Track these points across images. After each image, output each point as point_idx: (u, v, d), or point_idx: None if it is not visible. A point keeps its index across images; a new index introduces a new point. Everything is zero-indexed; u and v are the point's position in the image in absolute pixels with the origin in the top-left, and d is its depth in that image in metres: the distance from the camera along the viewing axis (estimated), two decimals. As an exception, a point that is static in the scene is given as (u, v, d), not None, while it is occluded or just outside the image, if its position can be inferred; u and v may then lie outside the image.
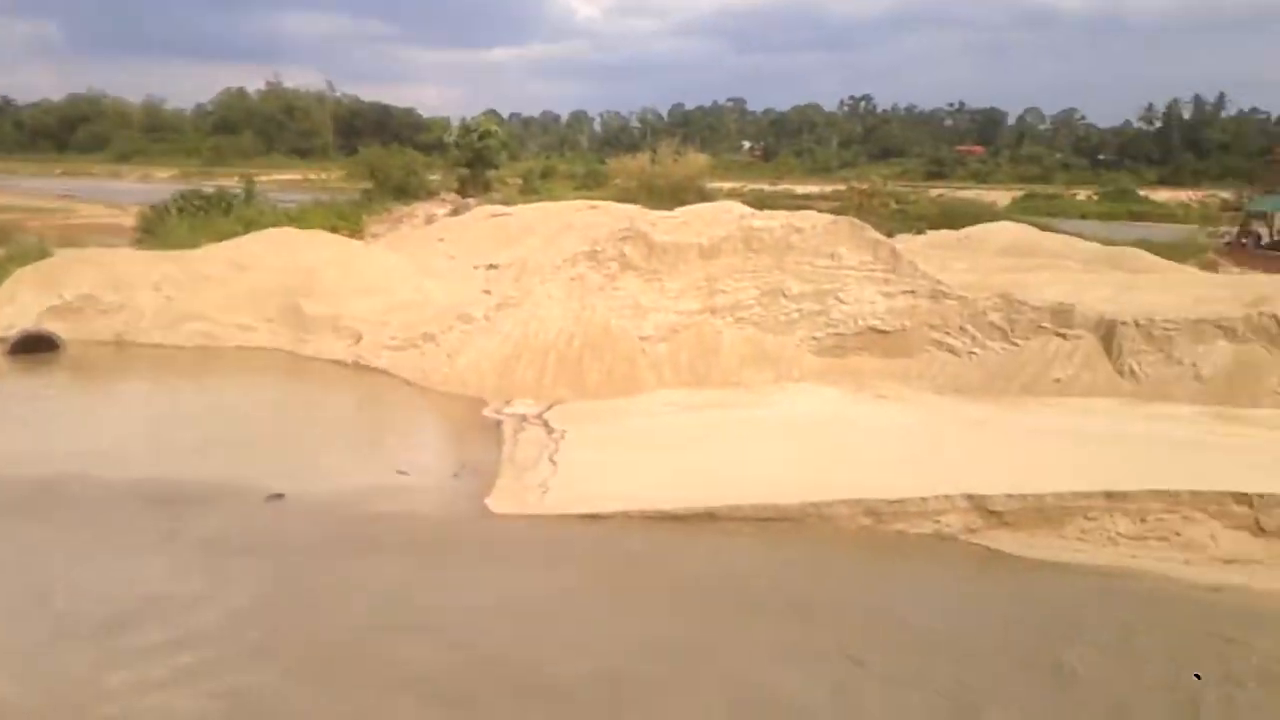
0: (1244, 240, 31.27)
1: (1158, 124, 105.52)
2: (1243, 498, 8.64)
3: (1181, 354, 12.09)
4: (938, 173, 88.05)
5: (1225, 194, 55.29)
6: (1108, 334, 12.49)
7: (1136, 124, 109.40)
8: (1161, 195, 68.72)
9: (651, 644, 7.00)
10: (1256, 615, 7.50)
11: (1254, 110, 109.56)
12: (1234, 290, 13.38)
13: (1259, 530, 8.59)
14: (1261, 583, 7.96)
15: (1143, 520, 8.78)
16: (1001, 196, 64.18)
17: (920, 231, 20.76)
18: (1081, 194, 70.41)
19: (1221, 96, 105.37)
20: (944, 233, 18.18)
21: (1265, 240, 31.28)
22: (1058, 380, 12.44)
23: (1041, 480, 9.11)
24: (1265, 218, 32.41)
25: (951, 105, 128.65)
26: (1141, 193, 70.42)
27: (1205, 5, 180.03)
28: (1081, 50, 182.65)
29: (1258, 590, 7.87)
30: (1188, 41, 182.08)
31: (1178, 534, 8.65)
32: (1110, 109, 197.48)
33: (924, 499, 9.11)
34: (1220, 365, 11.90)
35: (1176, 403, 11.74)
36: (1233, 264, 25.04)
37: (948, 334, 13.42)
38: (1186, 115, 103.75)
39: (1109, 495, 8.81)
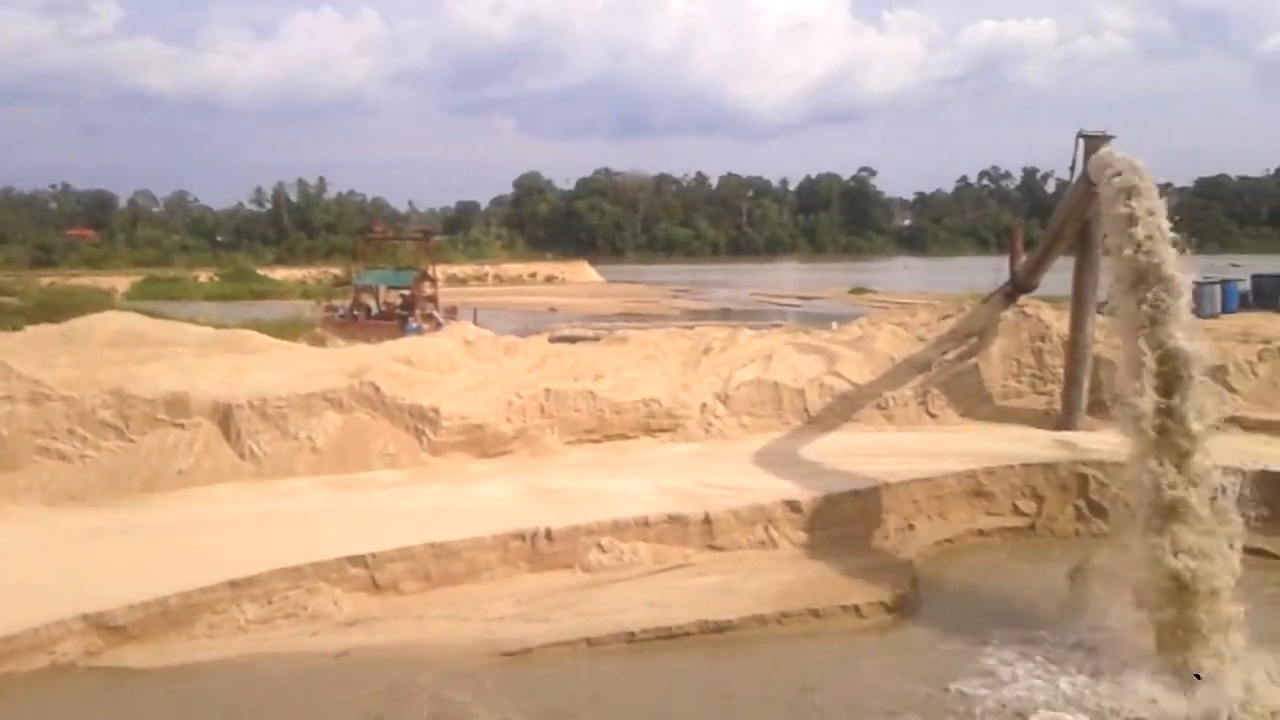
0: (356, 313, 34.16)
1: (268, 205, 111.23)
2: (358, 559, 9.21)
3: (296, 429, 12.60)
4: (46, 260, 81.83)
5: (336, 270, 60.07)
6: (225, 418, 12.50)
7: (249, 205, 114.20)
8: (280, 274, 72.50)
9: None
10: (377, 666, 8.01)
11: (352, 192, 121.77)
12: (339, 363, 14.37)
13: (375, 588, 9.24)
14: (381, 637, 8.55)
15: (270, 602, 8.86)
16: (120, 281, 61.74)
17: (18, 327, 18.72)
18: (203, 275, 71.07)
19: (322, 180, 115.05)
20: (45, 327, 16.60)
21: (375, 311, 34.54)
22: (180, 472, 12.06)
23: (166, 582, 8.68)
24: (372, 290, 35.84)
25: (55, 187, 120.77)
26: (261, 272, 73.59)
27: (292, 93, 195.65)
28: (184, 133, 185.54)
29: (380, 645, 8.42)
30: (284, 127, 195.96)
31: (305, 608, 8.90)
32: (221, 191, 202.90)
33: (35, 629, 8.09)
34: (332, 435, 12.67)
35: (298, 477, 12.19)
36: (340, 337, 27.12)
37: (55, 439, 12.20)
38: (294, 197, 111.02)
39: (233, 584, 8.73)
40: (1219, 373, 14.21)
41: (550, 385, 14.04)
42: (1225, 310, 30.77)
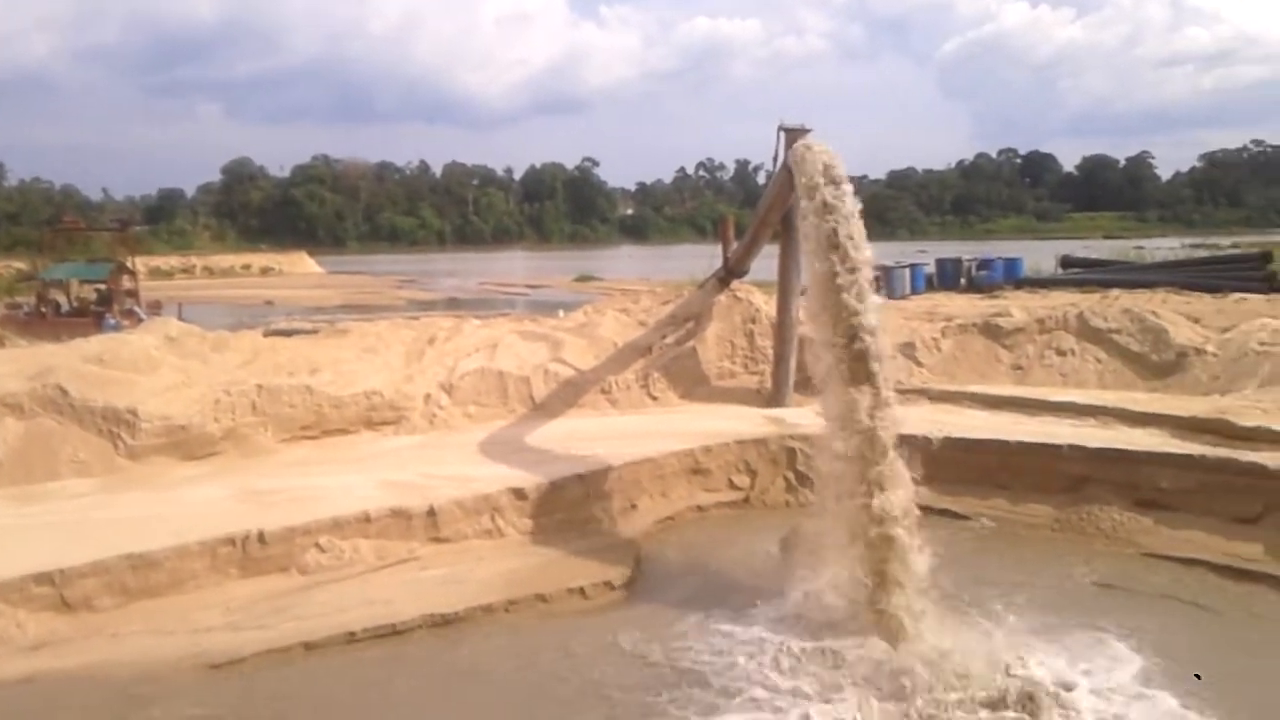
0: (44, 310, 31.26)
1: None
2: (43, 577, 8.39)
3: (-32, 439, 11.36)
4: None
5: (20, 264, 54.75)
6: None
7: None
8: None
9: None
10: (67, 690, 7.35)
11: (37, 179, 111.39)
12: (19, 364, 13.04)
13: (65, 606, 8.45)
14: (72, 659, 7.84)
15: (-60, 630, 7.95)
16: None
17: None
18: None
19: (2, 166, 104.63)
20: None
21: (66, 308, 31.74)
22: None
23: None
24: (63, 285, 32.89)
25: None
26: (-71, 267, 65.86)
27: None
28: None
29: (70, 668, 7.72)
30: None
31: (12, 633, 8.04)
32: None
33: None
34: (12, 444, 11.48)
35: (-29, 491, 10.98)
36: (23, 337, 24.79)
37: None
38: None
39: (-109, 616, 7.76)
40: (907, 348, 15.48)
41: (263, 381, 13.34)
42: (913, 291, 33.67)
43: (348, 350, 15.55)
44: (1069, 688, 7.17)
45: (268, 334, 19.58)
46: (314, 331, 20.57)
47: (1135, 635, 8.10)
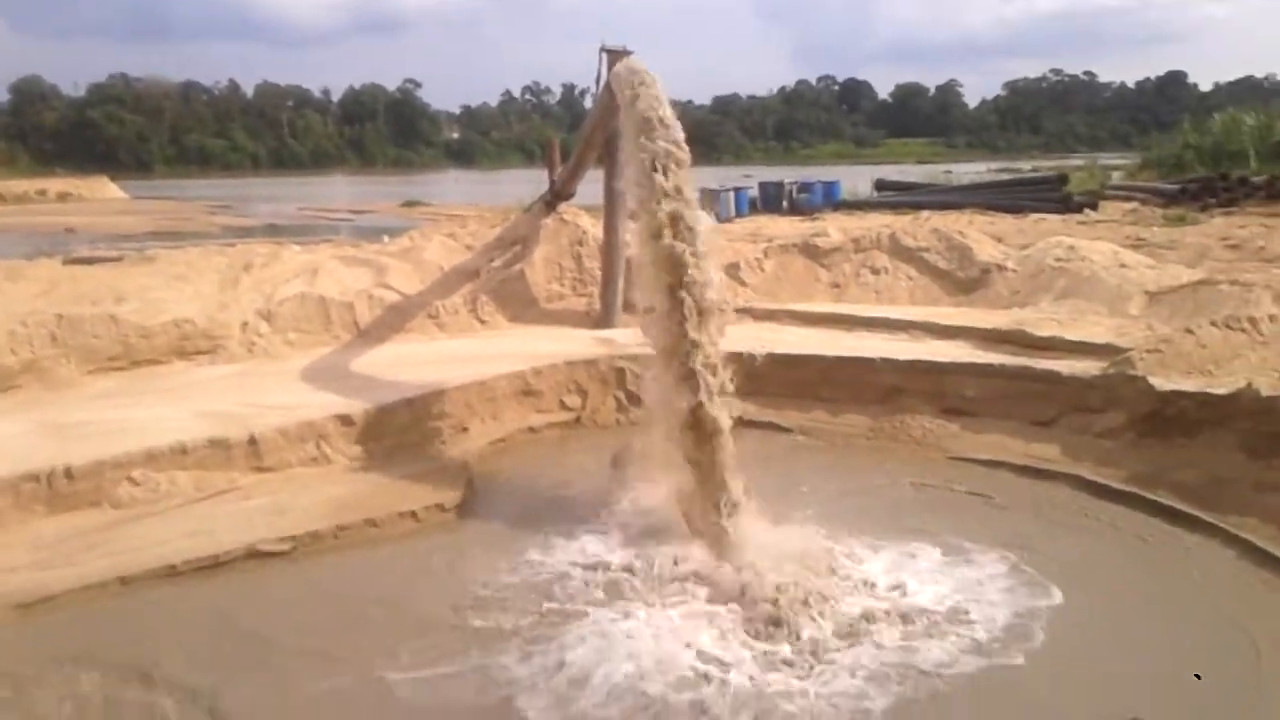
0: None
1: None
2: None
3: None
4: None
5: None
6: None
7: None
8: None
9: None
10: None
11: None
12: None
13: None
14: None
15: None
16: None
17: None
18: None
19: None
20: None
21: None
22: None
23: None
24: None
25: None
26: None
27: None
28: None
29: None
30: None
31: None
32: None
33: None
34: None
35: None
36: None
37: None
38: None
39: None
40: (732, 269, 15.82)
41: (63, 311, 12.57)
42: (738, 214, 34.32)
43: (156, 278, 14.77)
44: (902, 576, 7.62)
45: (68, 262, 18.39)
46: (119, 259, 19.44)
47: (957, 529, 8.60)
